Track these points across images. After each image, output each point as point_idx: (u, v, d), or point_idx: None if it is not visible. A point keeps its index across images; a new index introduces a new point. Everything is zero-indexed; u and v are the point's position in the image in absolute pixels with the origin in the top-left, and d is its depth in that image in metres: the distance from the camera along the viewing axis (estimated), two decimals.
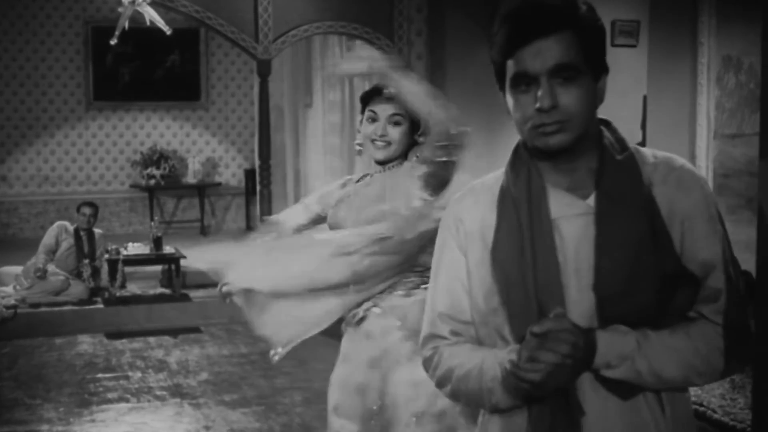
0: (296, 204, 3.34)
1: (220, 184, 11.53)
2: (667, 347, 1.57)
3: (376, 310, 2.88)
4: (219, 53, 11.55)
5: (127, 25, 8.12)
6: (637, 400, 1.59)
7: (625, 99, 6.41)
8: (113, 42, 8.39)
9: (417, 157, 2.89)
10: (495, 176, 1.73)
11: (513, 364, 1.53)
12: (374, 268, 2.80)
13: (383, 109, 2.92)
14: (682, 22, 5.56)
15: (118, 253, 7.91)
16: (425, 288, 2.26)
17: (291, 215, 3.22)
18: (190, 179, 11.30)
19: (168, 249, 8.17)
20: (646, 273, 1.55)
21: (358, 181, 3.08)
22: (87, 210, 8.10)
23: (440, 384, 1.73)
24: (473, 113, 7.91)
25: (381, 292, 2.87)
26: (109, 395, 5.82)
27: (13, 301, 7.58)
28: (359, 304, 2.89)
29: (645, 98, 6.22)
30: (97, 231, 8.22)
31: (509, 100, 1.61)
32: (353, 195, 3.00)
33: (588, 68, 1.57)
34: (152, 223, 8.59)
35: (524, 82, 1.56)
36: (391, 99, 2.88)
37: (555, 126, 1.55)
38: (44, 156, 11.09)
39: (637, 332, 1.57)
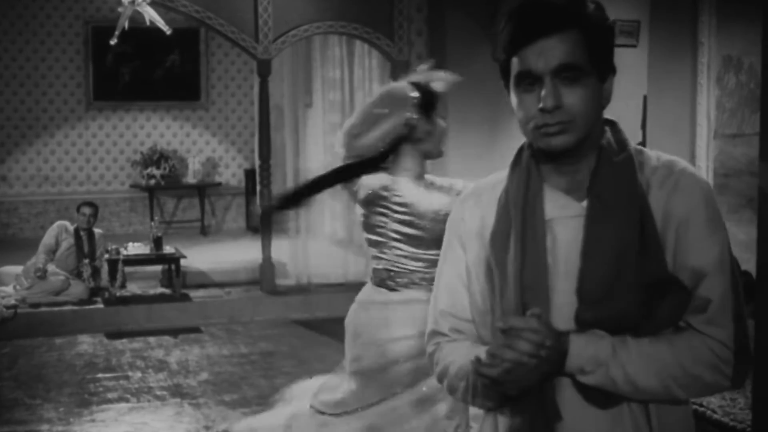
0: None
1: (220, 184, 11.53)
2: (645, 355, 1.52)
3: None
4: (219, 53, 11.55)
5: (126, 25, 8.12)
6: (621, 410, 1.55)
7: (625, 99, 6.41)
8: (113, 42, 8.39)
9: None
10: (499, 176, 1.71)
11: (476, 359, 1.51)
12: None
13: None
14: (683, 22, 5.56)
15: (118, 253, 7.91)
16: None
17: None
18: (190, 179, 11.30)
19: (168, 249, 8.18)
20: (628, 279, 1.51)
21: None
22: (87, 210, 8.10)
23: (439, 380, 1.74)
24: (473, 113, 7.92)
25: None
26: (109, 395, 5.82)
27: (13, 301, 7.58)
28: None
29: (645, 98, 6.22)
30: (97, 231, 8.22)
31: (513, 99, 1.58)
32: None
33: (594, 68, 1.54)
34: (152, 223, 8.59)
35: (528, 81, 1.54)
36: None
37: (558, 126, 1.53)
38: (44, 156, 11.08)
39: (615, 338, 1.52)
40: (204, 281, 8.57)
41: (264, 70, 8.14)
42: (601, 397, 1.54)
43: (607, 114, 1.67)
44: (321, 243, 9.39)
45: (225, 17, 7.94)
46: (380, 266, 3.09)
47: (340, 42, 9.18)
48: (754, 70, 5.10)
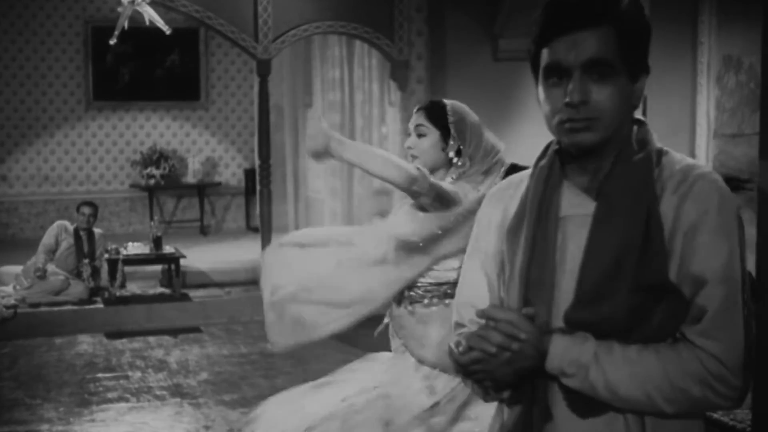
0: None
1: (219, 183, 11.53)
2: (629, 363, 1.46)
3: None
4: (219, 53, 11.55)
5: (126, 24, 8.12)
6: (616, 419, 1.50)
7: None
8: (113, 42, 8.39)
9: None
10: (530, 172, 1.69)
11: (452, 344, 1.51)
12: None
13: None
14: (683, 21, 5.56)
15: (118, 252, 7.91)
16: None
17: None
18: (190, 179, 11.30)
19: (168, 249, 8.18)
20: (622, 283, 1.46)
21: None
22: (87, 210, 8.10)
23: (457, 371, 1.75)
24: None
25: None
26: (109, 395, 5.82)
27: (13, 301, 7.58)
28: None
29: (645, 98, 6.22)
30: (97, 231, 8.22)
31: (540, 92, 1.55)
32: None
33: (625, 66, 1.50)
34: (152, 223, 8.59)
35: (556, 74, 1.50)
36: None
37: (583, 123, 1.49)
38: (44, 156, 11.08)
39: (600, 343, 1.48)
40: (204, 281, 8.58)
41: (264, 69, 8.14)
42: (581, 403, 1.50)
43: None
44: None
45: (225, 17, 7.94)
46: None
47: (339, 42, 9.18)
48: (754, 70, 5.10)
